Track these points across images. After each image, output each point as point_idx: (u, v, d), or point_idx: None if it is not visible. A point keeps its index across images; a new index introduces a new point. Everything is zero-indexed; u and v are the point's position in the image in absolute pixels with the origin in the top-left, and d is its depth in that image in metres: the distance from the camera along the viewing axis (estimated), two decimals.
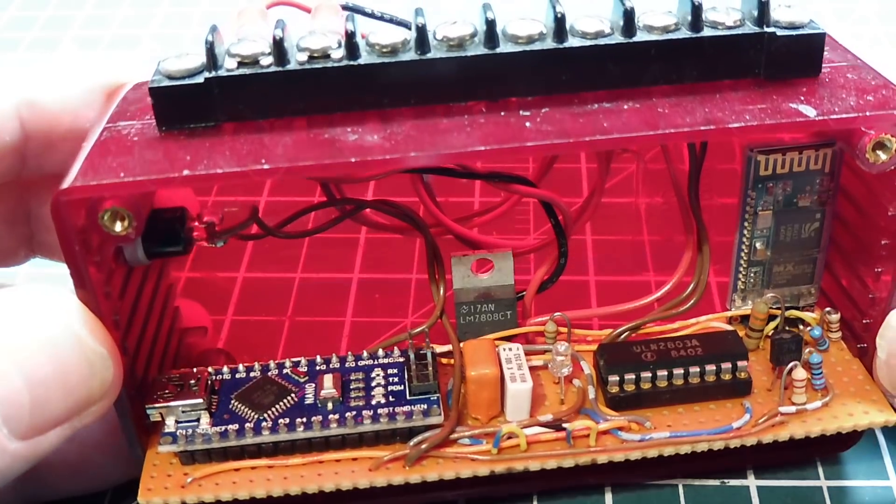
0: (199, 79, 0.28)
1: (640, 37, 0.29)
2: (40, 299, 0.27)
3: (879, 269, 0.32)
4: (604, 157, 0.37)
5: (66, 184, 0.27)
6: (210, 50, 0.28)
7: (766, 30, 0.29)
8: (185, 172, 0.27)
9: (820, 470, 0.34)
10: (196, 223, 0.32)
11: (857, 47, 0.31)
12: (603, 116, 0.28)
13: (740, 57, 0.29)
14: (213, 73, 0.28)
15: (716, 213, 0.34)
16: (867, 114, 0.28)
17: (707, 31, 0.29)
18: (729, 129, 0.28)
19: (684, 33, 0.29)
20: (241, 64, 0.28)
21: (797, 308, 0.35)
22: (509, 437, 0.31)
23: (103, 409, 0.28)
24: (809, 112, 0.28)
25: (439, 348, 0.34)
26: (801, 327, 0.35)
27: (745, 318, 0.35)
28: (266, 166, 0.27)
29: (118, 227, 0.28)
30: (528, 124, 0.28)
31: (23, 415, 0.26)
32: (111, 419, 0.35)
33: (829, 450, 0.34)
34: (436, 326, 0.34)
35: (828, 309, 0.34)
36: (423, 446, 0.31)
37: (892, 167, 0.29)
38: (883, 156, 0.29)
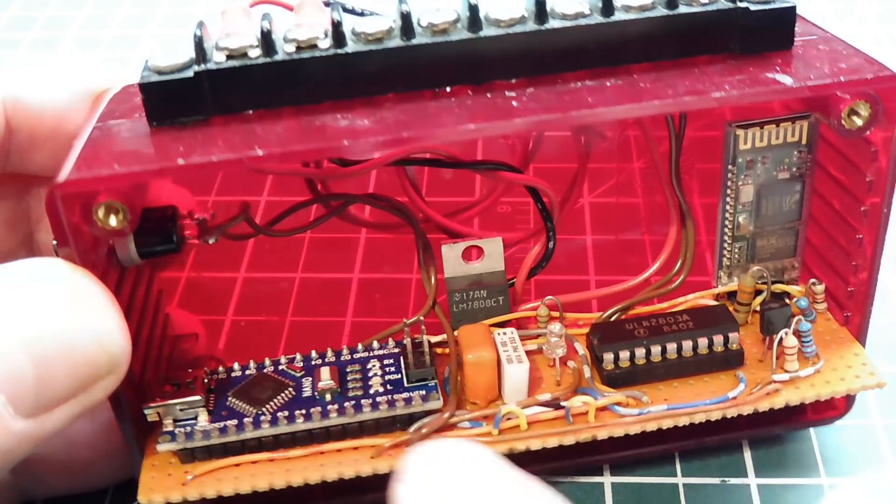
0: (189, 73, 0.28)
1: (619, 16, 0.30)
2: (43, 273, 0.27)
3: (860, 236, 0.33)
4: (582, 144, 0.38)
5: (61, 178, 0.27)
6: (198, 44, 0.29)
7: (740, 5, 0.30)
8: (180, 161, 0.27)
9: (821, 468, 0.34)
10: (187, 220, 0.32)
11: (856, 47, 0.32)
12: (587, 93, 0.29)
13: (716, 33, 0.30)
14: (203, 67, 0.28)
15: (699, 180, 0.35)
16: (842, 79, 0.29)
17: (683, 9, 0.30)
18: (711, 98, 0.28)
19: (661, 11, 0.30)
20: (229, 57, 0.29)
21: (782, 282, 0.36)
22: (509, 419, 0.32)
23: (112, 386, 0.28)
24: (787, 80, 0.29)
25: (434, 338, 0.34)
26: (786, 301, 0.35)
27: (731, 295, 0.36)
28: (260, 152, 0.27)
29: (113, 221, 0.28)
30: (514, 104, 0.29)
31: (27, 393, 0.26)
32: (102, 419, 0.35)
33: (824, 417, 0.35)
34: (430, 316, 0.35)
35: (812, 280, 0.35)
36: (424, 430, 0.31)
37: (867, 132, 0.30)
38: (858, 121, 0.30)
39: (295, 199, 0.34)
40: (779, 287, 0.35)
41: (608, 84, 0.29)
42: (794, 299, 0.34)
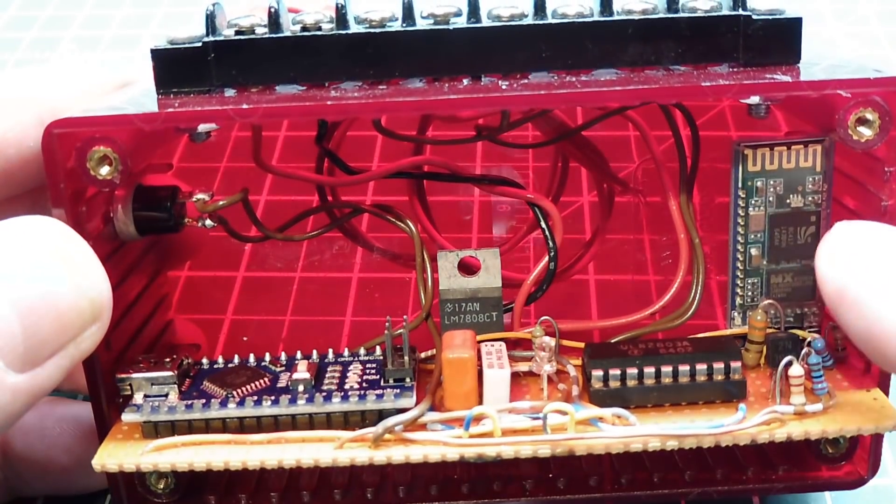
0: (197, 43, 0.30)
1: (618, 17, 0.30)
2: (19, 224, 0.27)
3: None
4: (605, 196, 0.37)
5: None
6: (209, 17, 0.30)
7: (742, 12, 0.30)
8: (169, 110, 0.28)
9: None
10: (188, 201, 0.33)
11: (857, 47, 0.32)
12: (579, 84, 0.29)
13: (717, 39, 0.30)
14: (210, 38, 0.30)
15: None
16: (841, 78, 0.28)
17: (683, 12, 0.30)
18: (703, 87, 0.28)
19: (661, 14, 0.30)
20: (237, 32, 0.30)
21: (800, 328, 0.33)
22: (481, 420, 0.30)
23: (98, 334, 0.27)
24: (786, 78, 0.28)
25: (423, 354, 0.33)
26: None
27: (744, 340, 0.33)
28: (245, 106, 0.28)
29: (104, 170, 0.29)
30: (503, 87, 0.29)
31: (16, 345, 0.26)
32: (78, 424, 0.34)
33: (843, 478, 0.32)
34: (422, 330, 0.34)
35: (832, 324, 0.32)
36: (390, 423, 0.29)
37: (879, 144, 0.29)
38: (867, 132, 0.29)
39: (294, 199, 0.35)
40: (798, 332, 0.33)
41: (602, 79, 0.29)
42: (809, 339, 0.32)
